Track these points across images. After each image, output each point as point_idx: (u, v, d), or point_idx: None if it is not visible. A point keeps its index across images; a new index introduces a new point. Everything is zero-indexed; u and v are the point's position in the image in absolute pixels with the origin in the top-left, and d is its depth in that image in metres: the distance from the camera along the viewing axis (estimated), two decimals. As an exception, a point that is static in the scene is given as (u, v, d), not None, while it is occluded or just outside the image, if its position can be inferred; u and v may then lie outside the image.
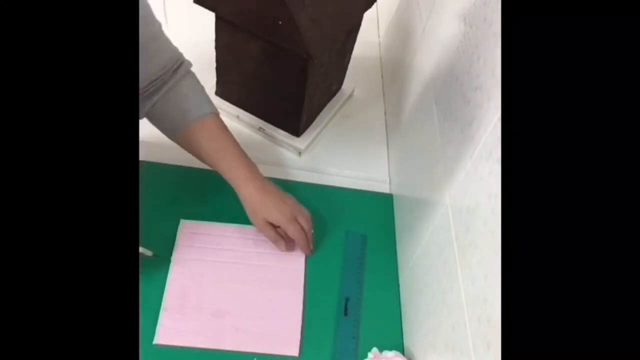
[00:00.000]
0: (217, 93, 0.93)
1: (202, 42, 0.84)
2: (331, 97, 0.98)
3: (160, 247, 0.73)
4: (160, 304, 0.69)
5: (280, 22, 0.72)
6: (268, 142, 0.92)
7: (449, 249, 0.57)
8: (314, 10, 0.73)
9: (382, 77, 1.08)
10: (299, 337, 0.68)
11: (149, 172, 0.80)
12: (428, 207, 0.67)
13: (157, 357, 0.65)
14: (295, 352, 0.67)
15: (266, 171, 0.76)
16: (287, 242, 0.75)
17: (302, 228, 0.73)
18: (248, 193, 0.72)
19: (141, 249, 0.67)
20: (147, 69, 0.67)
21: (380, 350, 0.67)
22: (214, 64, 0.88)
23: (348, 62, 0.96)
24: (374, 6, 0.86)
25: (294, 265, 0.75)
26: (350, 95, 1.01)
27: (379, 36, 1.17)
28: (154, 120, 0.74)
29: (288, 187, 0.80)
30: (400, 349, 0.69)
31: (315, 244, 0.77)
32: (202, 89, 0.75)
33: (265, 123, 0.92)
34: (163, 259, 0.72)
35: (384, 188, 0.89)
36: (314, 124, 0.93)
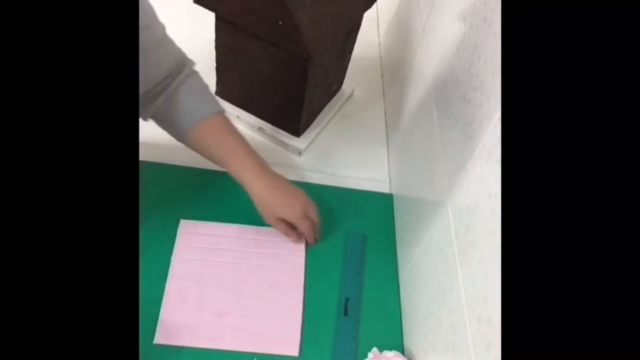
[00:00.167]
0: (217, 93, 0.93)
1: (202, 42, 0.84)
2: (331, 97, 0.98)
3: (160, 247, 0.73)
4: (160, 304, 0.69)
5: (280, 22, 0.72)
6: (268, 142, 0.92)
7: (449, 249, 0.57)
8: (314, 10, 0.73)
9: (382, 77, 1.08)
10: (299, 337, 0.68)
11: (149, 172, 0.80)
12: (428, 207, 0.67)
13: (157, 357, 0.65)
14: (295, 352, 0.67)
15: (266, 171, 0.76)
16: (298, 235, 0.76)
17: (312, 222, 0.74)
18: (258, 191, 0.72)
19: None
20: (152, 74, 0.67)
21: (380, 350, 0.67)
22: (214, 64, 0.88)
23: (348, 62, 0.96)
24: (374, 6, 0.86)
25: (294, 265, 0.75)
26: (350, 95, 1.01)
27: (379, 36, 1.17)
28: (161, 123, 0.73)
29: (288, 187, 0.80)
30: (400, 349, 0.69)
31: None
32: (206, 88, 0.75)
33: (265, 123, 0.92)
34: (163, 259, 0.72)
35: (384, 188, 0.89)
36: (314, 124, 0.93)
